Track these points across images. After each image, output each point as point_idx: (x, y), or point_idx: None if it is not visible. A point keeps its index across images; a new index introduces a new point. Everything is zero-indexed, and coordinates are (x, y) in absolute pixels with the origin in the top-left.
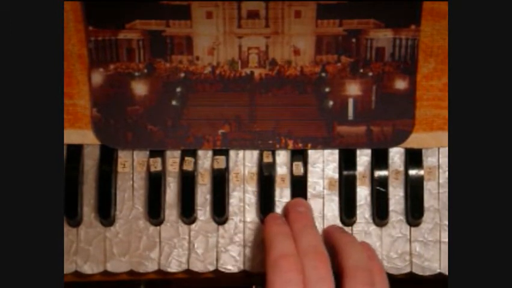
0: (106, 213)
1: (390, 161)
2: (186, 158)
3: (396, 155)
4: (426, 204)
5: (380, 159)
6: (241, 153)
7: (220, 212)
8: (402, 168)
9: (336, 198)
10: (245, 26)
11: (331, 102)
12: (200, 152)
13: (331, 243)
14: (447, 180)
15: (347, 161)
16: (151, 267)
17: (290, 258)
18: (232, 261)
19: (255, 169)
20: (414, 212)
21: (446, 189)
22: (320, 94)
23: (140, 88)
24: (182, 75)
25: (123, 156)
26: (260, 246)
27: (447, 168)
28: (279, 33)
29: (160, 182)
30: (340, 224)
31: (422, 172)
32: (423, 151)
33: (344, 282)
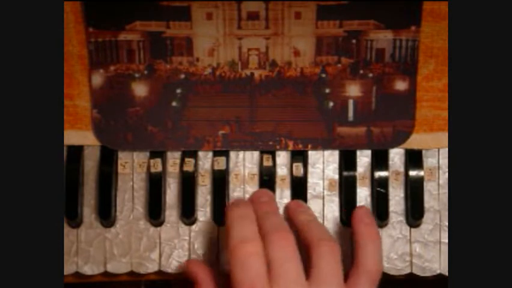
0: (106, 214)
1: (390, 162)
2: (186, 159)
3: (396, 155)
4: (426, 205)
5: (380, 160)
6: (241, 154)
7: (220, 213)
8: (402, 169)
9: (336, 199)
10: (245, 27)
11: (331, 103)
12: (200, 153)
13: (292, 221)
14: (447, 181)
15: (347, 162)
16: (151, 268)
17: (249, 243)
18: None
19: (255, 170)
20: (415, 213)
21: (446, 190)
22: (320, 95)
23: (140, 89)
24: (182, 76)
25: (123, 157)
26: None
27: (447, 169)
28: (279, 35)
29: (160, 183)
30: (340, 225)
31: (422, 173)
32: (423, 152)
33: (311, 254)
